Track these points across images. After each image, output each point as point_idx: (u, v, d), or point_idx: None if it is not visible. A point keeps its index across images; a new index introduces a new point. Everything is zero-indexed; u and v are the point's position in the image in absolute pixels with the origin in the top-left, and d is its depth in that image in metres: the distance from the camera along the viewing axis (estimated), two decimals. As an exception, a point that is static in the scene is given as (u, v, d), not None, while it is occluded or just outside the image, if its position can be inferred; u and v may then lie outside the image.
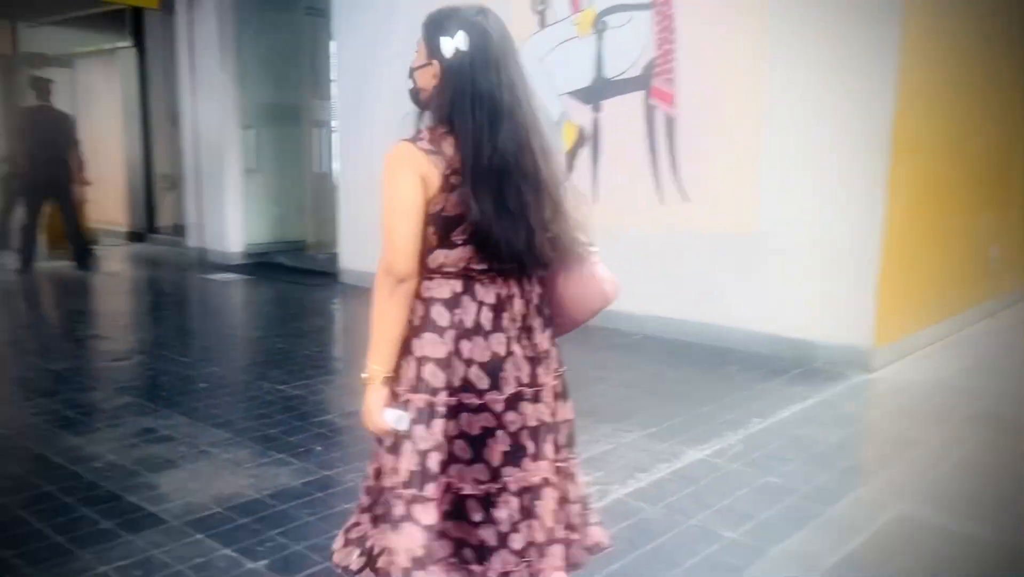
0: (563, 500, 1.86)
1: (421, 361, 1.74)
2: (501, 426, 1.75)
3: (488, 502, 1.76)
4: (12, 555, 2.52)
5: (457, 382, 1.73)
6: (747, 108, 5.18)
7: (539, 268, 1.80)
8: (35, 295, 7.50)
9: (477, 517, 1.77)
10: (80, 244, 8.41)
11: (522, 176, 1.72)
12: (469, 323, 1.73)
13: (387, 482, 1.77)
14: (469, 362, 1.73)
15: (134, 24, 10.97)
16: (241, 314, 6.99)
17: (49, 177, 8.06)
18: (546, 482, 1.80)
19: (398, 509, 1.73)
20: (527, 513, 1.77)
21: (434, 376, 1.72)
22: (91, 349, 5.27)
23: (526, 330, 1.79)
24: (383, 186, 1.71)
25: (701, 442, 3.64)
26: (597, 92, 5.97)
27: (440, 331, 1.73)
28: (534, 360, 1.79)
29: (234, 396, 4.25)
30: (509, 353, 1.75)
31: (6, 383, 4.49)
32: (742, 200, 5.26)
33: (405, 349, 1.75)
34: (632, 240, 5.72)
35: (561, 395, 1.88)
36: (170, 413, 3.85)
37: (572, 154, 6.13)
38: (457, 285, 1.74)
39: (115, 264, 9.18)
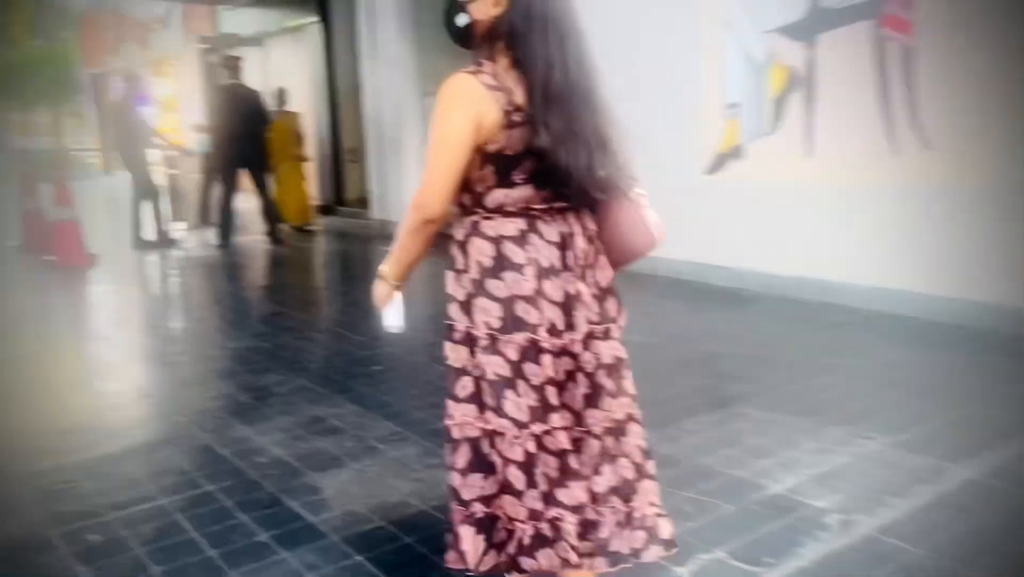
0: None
1: (509, 301, 1.71)
2: (579, 368, 1.74)
3: (575, 448, 1.76)
4: (161, 572, 2.28)
5: (543, 321, 1.70)
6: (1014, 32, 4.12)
7: (598, 199, 1.76)
8: (230, 270, 7.72)
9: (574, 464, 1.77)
10: (271, 219, 8.61)
11: (586, 101, 1.69)
12: (543, 261, 1.71)
13: (456, 433, 1.79)
14: (549, 302, 1.71)
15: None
16: (422, 289, 6.78)
17: (241, 154, 8.28)
18: (630, 418, 1.82)
19: (530, 446, 1.72)
20: (612, 453, 1.80)
21: (527, 313, 1.70)
22: (274, 326, 5.20)
23: (590, 267, 1.77)
24: (434, 118, 1.65)
25: (969, 455, 2.84)
26: (811, 26, 5.07)
27: (519, 268, 1.70)
28: (599, 297, 1.78)
29: (408, 382, 3.93)
30: (578, 292, 1.74)
31: (193, 363, 4.46)
32: (1003, 147, 4.23)
33: (482, 293, 1.72)
34: (857, 197, 4.85)
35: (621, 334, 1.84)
36: (341, 400, 3.59)
37: (781, 101, 5.28)
38: (521, 223, 1.72)
39: (304, 238, 9.37)
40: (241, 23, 12.41)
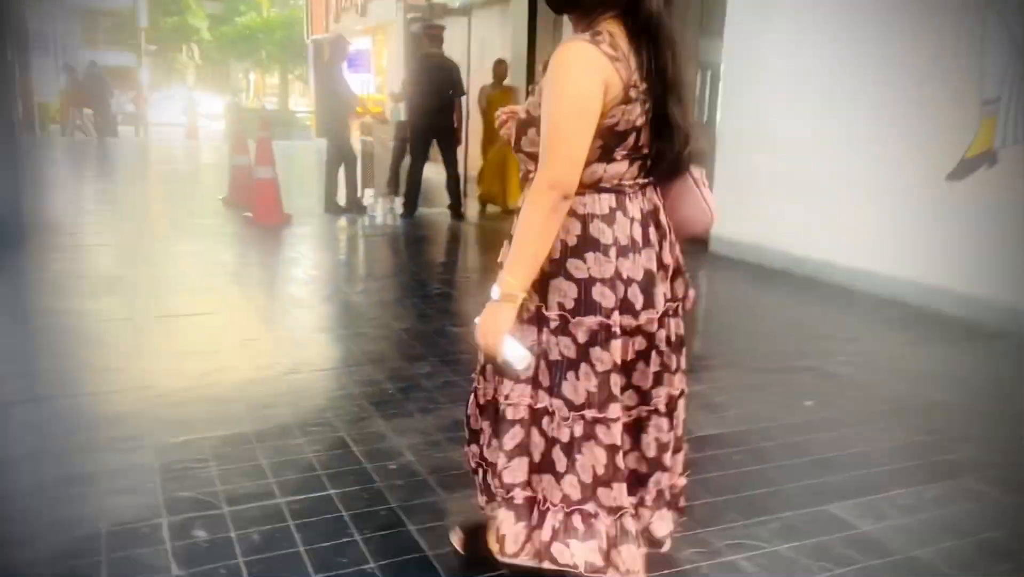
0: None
1: (587, 283, 1.65)
2: (654, 346, 1.70)
3: (637, 427, 1.75)
4: (254, 594, 2.04)
5: (619, 304, 1.65)
6: None
7: (678, 176, 1.76)
8: (410, 242, 7.68)
9: (626, 445, 1.73)
10: (456, 194, 8.50)
11: (679, 74, 1.65)
12: (624, 239, 1.66)
13: (511, 414, 1.72)
14: (629, 281, 1.66)
15: (530, -31, 10.82)
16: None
17: (433, 125, 8.20)
18: (682, 393, 1.82)
19: (577, 430, 1.68)
20: (672, 425, 1.78)
21: (603, 296, 1.65)
22: (437, 308, 4.98)
23: (670, 244, 1.75)
24: (556, 86, 1.55)
25: None
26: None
27: (604, 249, 1.65)
28: (675, 273, 1.77)
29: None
30: (661, 267, 1.71)
31: (350, 341, 4.32)
32: None
33: (561, 273, 1.66)
34: None
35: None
36: (488, 404, 3.26)
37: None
38: (612, 200, 1.66)
39: (482, 215, 9.21)
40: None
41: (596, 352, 1.65)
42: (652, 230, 1.70)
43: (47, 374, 3.56)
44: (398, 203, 9.00)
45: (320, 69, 8.64)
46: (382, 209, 8.95)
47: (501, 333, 1.60)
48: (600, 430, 1.67)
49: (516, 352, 1.60)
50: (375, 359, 3.91)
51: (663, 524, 1.86)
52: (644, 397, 1.74)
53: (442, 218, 8.49)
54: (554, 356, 1.68)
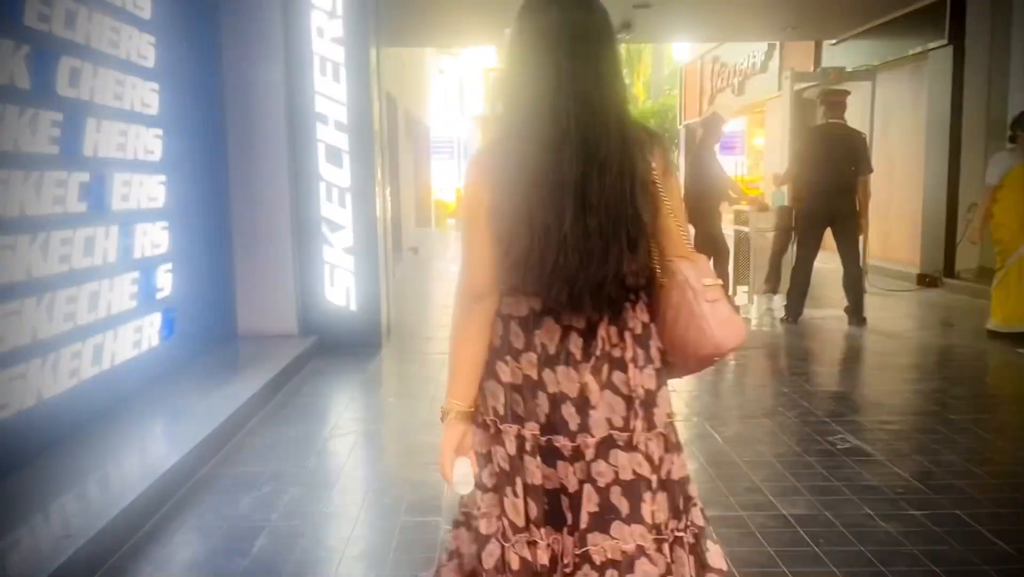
0: None
1: (509, 388, 1.52)
2: (589, 479, 1.48)
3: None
4: None
5: (543, 418, 1.50)
6: None
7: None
8: (795, 356, 6.06)
9: None
10: (857, 293, 6.70)
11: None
12: (552, 348, 1.48)
13: (484, 527, 1.54)
14: (557, 396, 1.48)
15: (953, 17, 8.75)
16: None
17: (831, 209, 6.58)
18: (640, 552, 1.47)
19: (519, 553, 1.50)
20: None
21: (517, 404, 1.52)
22: (847, 476, 3.38)
23: (618, 363, 1.49)
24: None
25: None
26: None
27: (517, 353, 1.50)
28: (628, 400, 1.49)
29: None
30: (605, 387, 1.48)
31: (724, 528, 2.94)
32: None
33: (490, 376, 1.54)
34: None
35: (673, 447, 1.56)
36: None
37: None
38: (536, 303, 1.49)
39: (893, 317, 7.19)
40: (847, 56, 10.72)
41: (528, 461, 1.51)
42: (595, 344, 1.48)
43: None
44: (778, 304, 7.44)
45: (691, 151, 7.53)
46: (758, 312, 7.45)
47: (446, 452, 1.54)
48: (526, 553, 1.52)
49: (460, 473, 1.53)
50: (755, 584, 2.48)
51: None
52: (581, 540, 1.47)
53: (837, 324, 6.72)
54: (497, 468, 1.54)
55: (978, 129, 8.57)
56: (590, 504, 1.47)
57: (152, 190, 4.44)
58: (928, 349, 6.26)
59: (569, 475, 1.49)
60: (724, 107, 7.81)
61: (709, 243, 7.27)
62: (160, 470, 3.30)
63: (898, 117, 9.88)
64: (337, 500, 3.24)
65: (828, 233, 6.68)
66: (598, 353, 1.48)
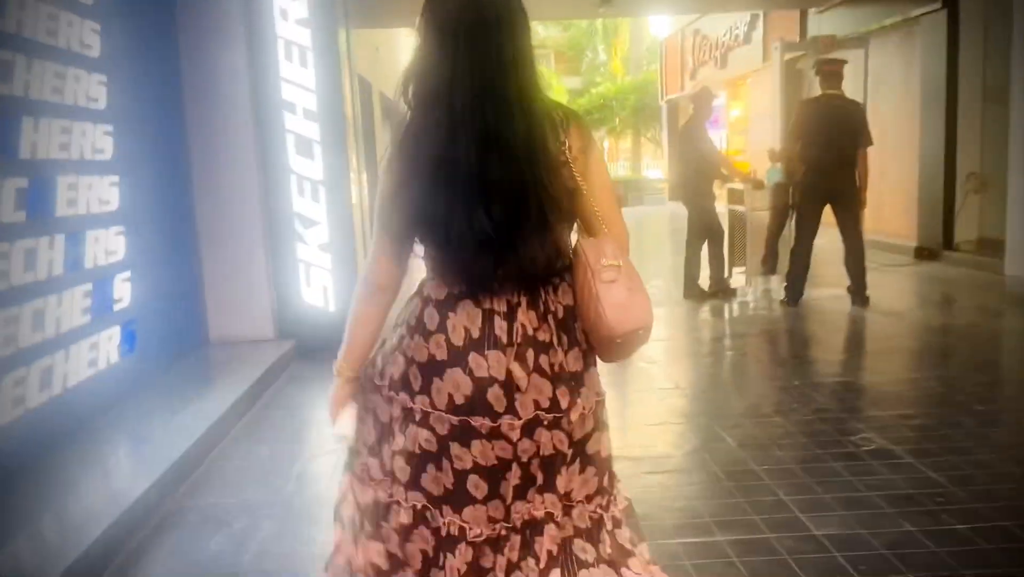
0: (599, 558, 1.56)
1: (408, 361, 1.55)
2: (515, 457, 1.50)
3: (497, 545, 1.52)
4: None
5: (461, 399, 1.49)
6: None
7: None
8: (797, 342, 5.78)
9: (487, 564, 1.52)
10: (860, 272, 6.41)
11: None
12: (475, 332, 1.48)
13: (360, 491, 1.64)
14: (481, 379, 1.48)
15: (943, -21, 8.45)
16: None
17: (831, 185, 6.27)
18: (550, 518, 1.53)
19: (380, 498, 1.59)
20: (525, 552, 1.52)
21: (414, 379, 1.54)
22: (876, 484, 3.08)
23: (542, 345, 1.50)
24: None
25: None
26: None
27: (426, 335, 1.52)
28: (554, 380, 1.51)
29: None
30: (533, 369, 1.49)
31: (724, 556, 2.64)
32: None
33: (397, 344, 1.58)
34: None
35: (601, 425, 1.61)
36: None
37: None
38: (455, 287, 1.52)
39: (894, 295, 6.92)
40: (834, 24, 10.38)
41: (398, 430, 1.57)
42: (517, 325, 1.48)
43: None
44: (775, 285, 7.15)
45: (681, 129, 7.20)
46: (755, 294, 7.16)
47: (335, 405, 1.65)
48: (394, 511, 1.57)
49: (341, 425, 1.65)
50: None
51: None
52: (507, 512, 1.52)
53: (839, 305, 6.44)
54: (380, 421, 1.62)
55: (975, 95, 8.30)
56: (515, 479, 1.51)
57: (103, 192, 4.04)
58: (938, 329, 5.98)
59: (487, 452, 1.50)
60: (711, 85, 7.45)
61: (703, 223, 6.97)
62: (119, 507, 2.95)
63: (889, 85, 9.57)
64: (318, 536, 2.91)
65: (826, 210, 6.39)
66: (519, 339, 1.49)
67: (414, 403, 1.53)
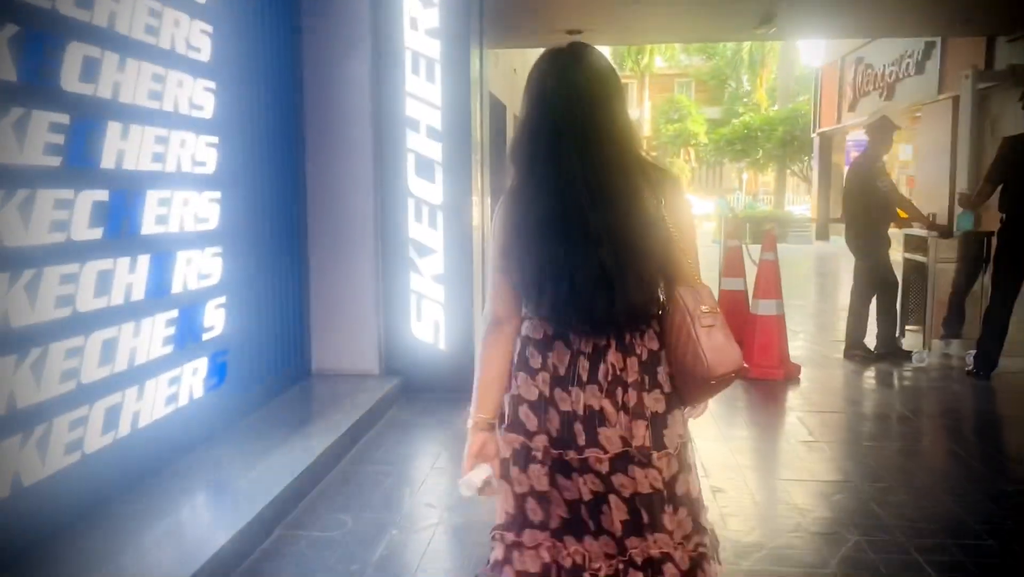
0: None
1: (515, 400, 1.66)
2: (611, 490, 1.60)
3: None
4: None
5: (555, 432, 1.62)
6: None
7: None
8: (990, 424, 4.73)
9: None
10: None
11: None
12: (562, 370, 1.62)
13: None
14: (566, 412, 1.61)
15: None
16: None
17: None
18: (667, 557, 1.60)
19: (497, 552, 1.68)
20: None
21: (527, 417, 1.64)
22: None
23: (624, 385, 1.61)
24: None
25: None
26: None
27: (532, 372, 1.64)
28: (639, 418, 1.61)
29: None
30: (602, 408, 1.60)
31: None
32: None
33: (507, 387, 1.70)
34: None
35: (685, 466, 1.67)
36: None
37: None
38: (550, 328, 1.65)
39: None
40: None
41: (515, 472, 1.65)
42: (602, 367, 1.61)
43: None
44: (956, 350, 6.05)
45: (856, 164, 6.25)
46: (935, 359, 6.07)
47: (468, 457, 1.67)
48: (515, 555, 1.64)
49: (471, 476, 1.64)
50: None
51: None
52: (620, 547, 1.61)
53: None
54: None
55: None
56: (620, 513, 1.59)
57: (201, 209, 3.66)
58: None
59: (581, 486, 1.60)
60: (893, 111, 6.47)
61: (875, 273, 6.00)
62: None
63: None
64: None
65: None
66: (610, 377, 1.61)
67: (532, 442, 1.62)
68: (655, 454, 1.60)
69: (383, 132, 4.97)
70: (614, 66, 1.69)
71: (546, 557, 1.62)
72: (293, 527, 3.15)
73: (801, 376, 5.59)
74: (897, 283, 6.17)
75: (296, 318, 4.85)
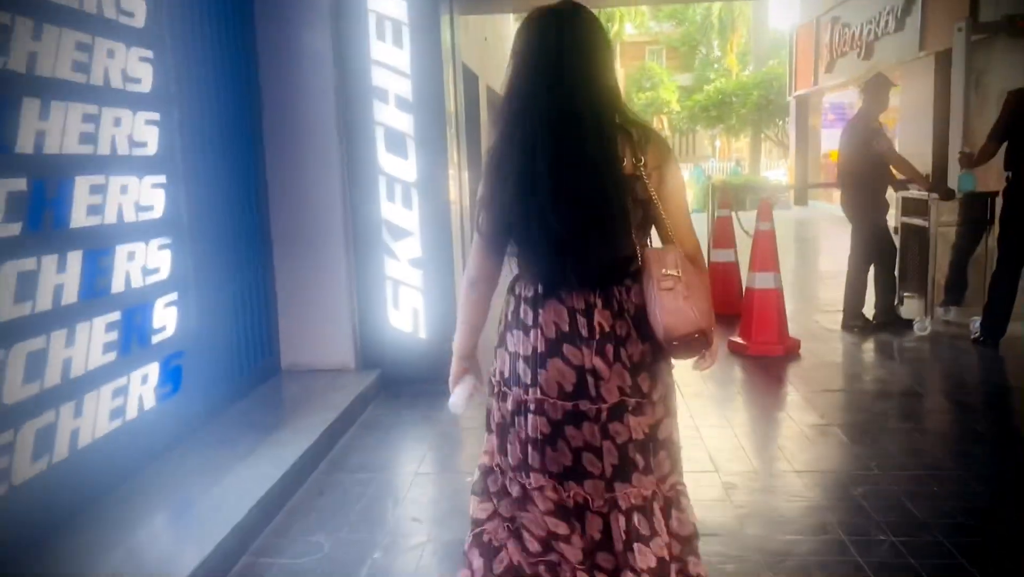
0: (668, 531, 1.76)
1: (514, 357, 1.76)
2: (608, 437, 1.71)
3: (604, 520, 1.75)
4: None
5: (569, 386, 1.71)
6: None
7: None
8: (1000, 396, 4.47)
9: (598, 535, 1.75)
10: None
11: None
12: (565, 327, 1.70)
13: (496, 461, 1.84)
14: (579, 367, 1.70)
15: None
16: None
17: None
18: (648, 498, 1.73)
19: (515, 490, 1.78)
20: (643, 532, 1.71)
21: (524, 373, 1.74)
22: None
23: (614, 339, 1.70)
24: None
25: None
26: None
27: (526, 329, 1.73)
28: (633, 370, 1.72)
29: None
30: (594, 365, 1.69)
31: None
32: None
33: (501, 344, 1.81)
34: None
35: (669, 412, 1.80)
36: None
37: None
38: (540, 285, 1.73)
39: None
40: (1014, 5, 8.76)
41: (519, 421, 1.75)
42: (593, 324, 1.69)
43: None
44: (959, 317, 5.80)
45: (850, 126, 5.91)
46: (935, 328, 5.80)
47: (452, 381, 1.93)
48: (535, 496, 1.75)
49: (456, 395, 1.92)
50: None
51: None
52: (608, 488, 1.72)
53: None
54: (497, 419, 1.82)
55: None
56: (611, 457, 1.71)
57: (144, 196, 3.25)
58: None
59: (580, 434, 1.71)
60: (854, 79, 6.11)
61: (873, 240, 5.71)
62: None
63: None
64: None
65: None
66: (598, 336, 1.69)
67: (527, 395, 1.73)
68: (645, 403, 1.72)
69: (348, 104, 4.55)
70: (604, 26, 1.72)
71: (552, 497, 1.73)
72: (262, 554, 2.78)
73: (801, 351, 5.31)
74: (895, 249, 5.88)
75: (261, 311, 4.45)
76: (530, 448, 1.73)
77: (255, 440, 3.54)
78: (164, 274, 3.38)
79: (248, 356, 4.26)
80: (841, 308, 5.92)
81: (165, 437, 3.34)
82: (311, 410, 3.97)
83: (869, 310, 5.88)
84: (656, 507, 1.72)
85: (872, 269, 5.83)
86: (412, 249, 4.65)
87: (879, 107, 5.80)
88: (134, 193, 3.17)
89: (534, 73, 1.65)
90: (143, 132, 3.25)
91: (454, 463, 3.69)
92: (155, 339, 3.31)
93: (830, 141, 18.94)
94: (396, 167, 4.58)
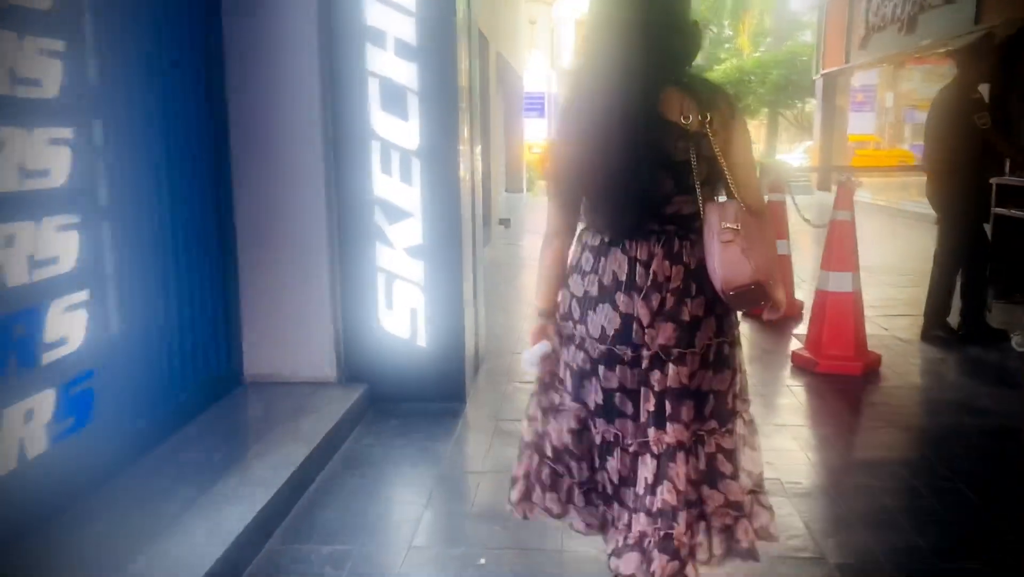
0: (718, 474, 1.83)
1: (571, 296, 1.85)
2: (647, 384, 1.77)
3: (642, 457, 1.80)
4: None
5: (611, 330, 1.77)
6: None
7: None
8: None
9: (626, 472, 1.82)
10: None
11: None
12: (623, 276, 1.76)
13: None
14: (627, 315, 1.75)
15: None
16: None
17: None
18: (680, 445, 1.77)
19: (556, 398, 1.91)
20: (664, 468, 1.77)
21: (574, 311, 1.84)
22: None
23: (663, 291, 1.75)
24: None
25: None
26: None
27: (583, 274, 1.82)
28: (678, 323, 1.75)
29: None
30: (664, 309, 1.74)
31: None
32: None
33: (563, 284, 1.89)
34: None
35: (713, 364, 1.81)
36: None
37: None
38: (605, 235, 1.80)
39: None
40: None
41: (566, 350, 1.87)
42: (648, 273, 1.74)
43: None
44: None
45: (942, 98, 4.90)
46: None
47: (532, 336, 1.94)
48: (563, 412, 1.89)
49: (530, 353, 1.91)
50: None
51: (626, 563, 1.78)
52: (642, 432, 1.78)
53: None
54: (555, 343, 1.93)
55: None
56: (648, 403, 1.77)
57: (33, 156, 2.29)
58: None
59: (631, 377, 1.77)
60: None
61: (962, 238, 4.75)
62: None
63: None
64: None
65: None
66: (649, 283, 1.74)
67: (575, 330, 1.83)
68: (686, 353, 1.75)
69: (334, 48, 3.58)
70: None
71: (574, 422, 1.86)
72: None
73: (881, 368, 4.38)
74: (989, 248, 4.93)
75: (217, 308, 3.49)
76: (569, 374, 1.85)
77: (193, 494, 2.60)
78: (68, 265, 2.44)
79: (197, 366, 3.32)
80: (902, 312, 4.99)
81: (66, 491, 2.41)
82: (274, 443, 3.04)
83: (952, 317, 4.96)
84: (684, 455, 1.76)
85: (967, 270, 4.88)
86: (411, 234, 3.69)
87: (977, 75, 4.81)
88: (18, 150, 2.21)
89: (607, 42, 1.73)
90: (35, 65, 2.29)
91: (461, 530, 2.74)
92: (47, 357, 2.36)
93: (857, 123, 17.93)
94: (394, 130, 3.61)
